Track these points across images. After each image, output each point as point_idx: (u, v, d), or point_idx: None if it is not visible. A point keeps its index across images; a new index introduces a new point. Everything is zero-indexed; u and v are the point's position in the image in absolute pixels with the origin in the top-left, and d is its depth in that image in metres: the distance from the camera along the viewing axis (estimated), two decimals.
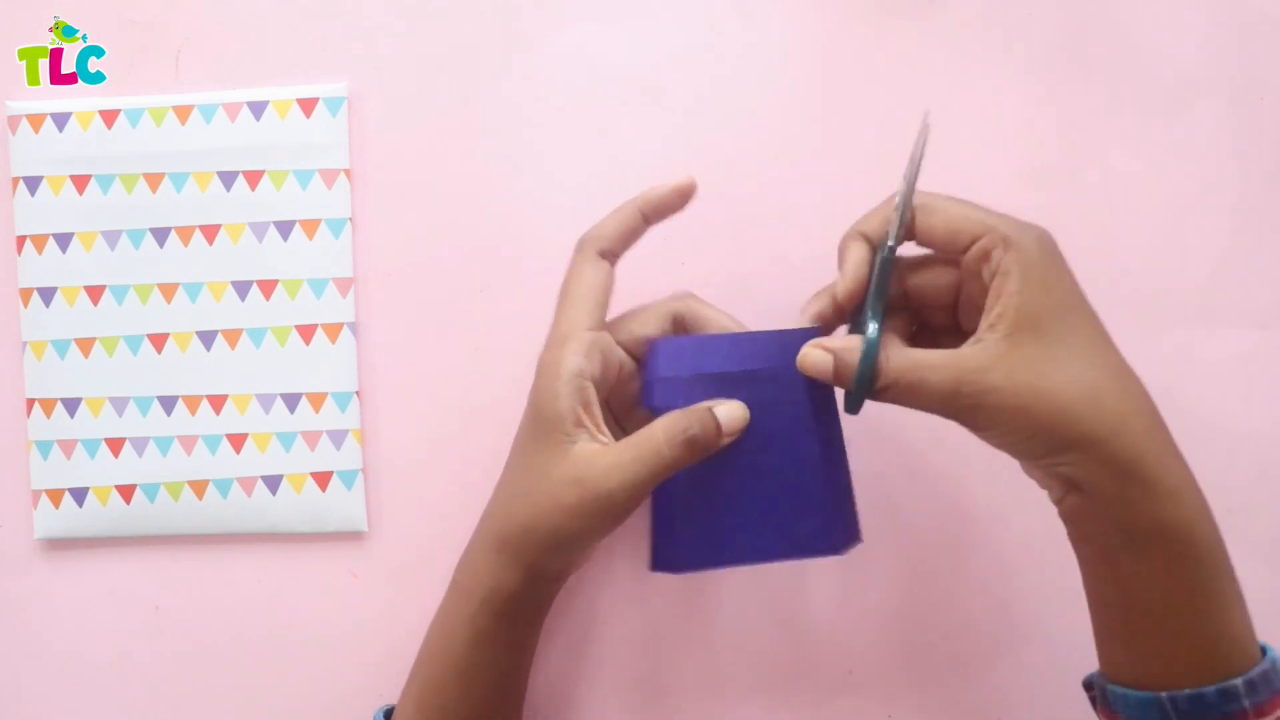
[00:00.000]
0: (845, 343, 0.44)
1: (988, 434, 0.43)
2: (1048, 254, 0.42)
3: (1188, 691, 0.41)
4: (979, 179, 0.54)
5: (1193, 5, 0.54)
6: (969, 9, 0.54)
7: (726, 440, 0.45)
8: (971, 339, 0.42)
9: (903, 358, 0.43)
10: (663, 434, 0.44)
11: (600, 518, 0.44)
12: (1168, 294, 0.55)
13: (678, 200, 0.47)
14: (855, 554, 0.55)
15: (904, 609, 0.55)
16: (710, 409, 0.45)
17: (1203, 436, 0.54)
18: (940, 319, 0.46)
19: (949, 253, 0.44)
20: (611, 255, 0.47)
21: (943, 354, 0.42)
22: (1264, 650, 0.42)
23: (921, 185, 0.44)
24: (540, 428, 0.46)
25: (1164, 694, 0.41)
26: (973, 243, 0.42)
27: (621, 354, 0.48)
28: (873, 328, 0.43)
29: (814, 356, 0.44)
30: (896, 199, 0.44)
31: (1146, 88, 0.54)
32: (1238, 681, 0.40)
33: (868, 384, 0.43)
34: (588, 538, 0.45)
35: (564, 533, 0.45)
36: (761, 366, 0.46)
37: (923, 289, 0.46)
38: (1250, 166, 0.54)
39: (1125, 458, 0.41)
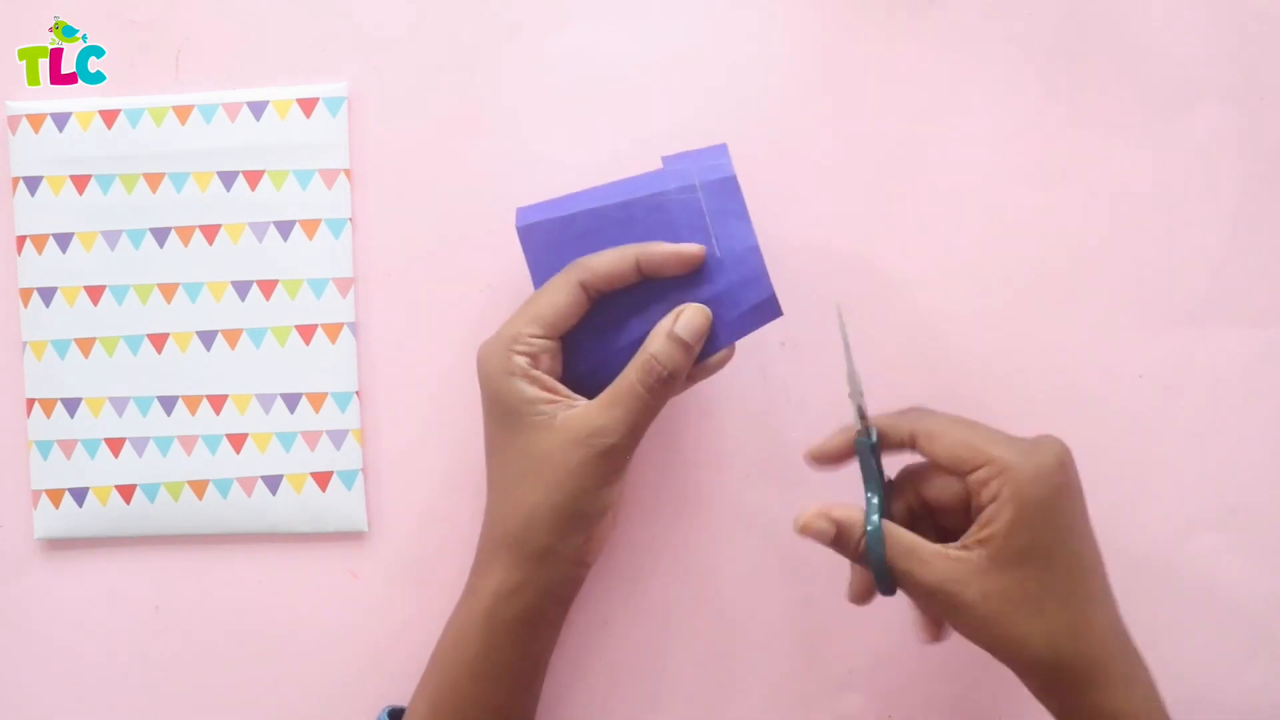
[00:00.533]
0: (848, 514, 0.45)
1: (961, 633, 0.45)
2: (1047, 488, 0.43)
3: None
4: (979, 179, 0.54)
5: (1193, 5, 0.54)
6: (970, 8, 0.54)
7: (697, 349, 0.46)
8: (961, 543, 0.44)
9: (900, 544, 0.44)
10: (639, 380, 0.46)
11: (608, 471, 0.46)
12: (1168, 294, 0.55)
13: (675, 264, 0.47)
14: None
15: (905, 609, 0.55)
16: (669, 332, 0.46)
17: (1203, 436, 0.55)
18: (953, 521, 0.47)
19: (954, 474, 0.45)
20: (591, 288, 0.47)
21: (933, 551, 0.44)
22: None
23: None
24: (510, 418, 0.46)
25: None
26: (974, 469, 0.44)
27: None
28: (874, 520, 0.45)
29: (817, 525, 0.46)
30: (848, 390, 0.47)
31: (1146, 88, 0.54)
32: None
33: (882, 569, 0.45)
34: (596, 497, 0.46)
35: (582, 496, 0.46)
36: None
37: (937, 498, 0.47)
38: (1250, 166, 0.54)
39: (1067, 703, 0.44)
